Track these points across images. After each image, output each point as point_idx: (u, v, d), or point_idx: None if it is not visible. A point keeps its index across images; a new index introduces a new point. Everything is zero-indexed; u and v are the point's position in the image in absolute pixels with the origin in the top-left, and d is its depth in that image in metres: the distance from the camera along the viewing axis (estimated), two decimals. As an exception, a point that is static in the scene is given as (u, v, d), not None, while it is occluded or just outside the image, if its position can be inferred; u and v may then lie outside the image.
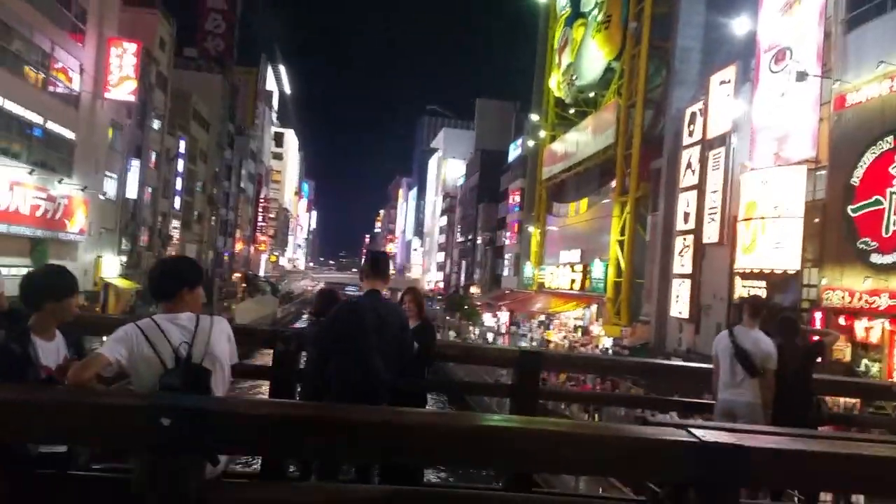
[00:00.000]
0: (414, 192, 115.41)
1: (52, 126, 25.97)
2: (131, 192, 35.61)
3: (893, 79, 14.02)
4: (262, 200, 77.36)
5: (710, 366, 5.25)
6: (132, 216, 36.88)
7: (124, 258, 35.41)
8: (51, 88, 26.02)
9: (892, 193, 13.60)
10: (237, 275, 63.99)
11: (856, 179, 14.58)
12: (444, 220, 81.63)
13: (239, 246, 67.79)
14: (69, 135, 27.48)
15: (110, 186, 33.09)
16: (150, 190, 39.39)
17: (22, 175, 22.69)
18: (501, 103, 67.17)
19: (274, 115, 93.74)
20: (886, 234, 13.54)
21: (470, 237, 64.34)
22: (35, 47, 24.55)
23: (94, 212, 29.88)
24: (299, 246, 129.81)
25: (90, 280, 31.01)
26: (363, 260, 4.11)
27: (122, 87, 30.15)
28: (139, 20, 35.15)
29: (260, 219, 77.40)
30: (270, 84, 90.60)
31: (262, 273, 77.03)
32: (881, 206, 13.76)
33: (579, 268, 33.87)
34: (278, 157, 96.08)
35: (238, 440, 2.18)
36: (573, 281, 34.10)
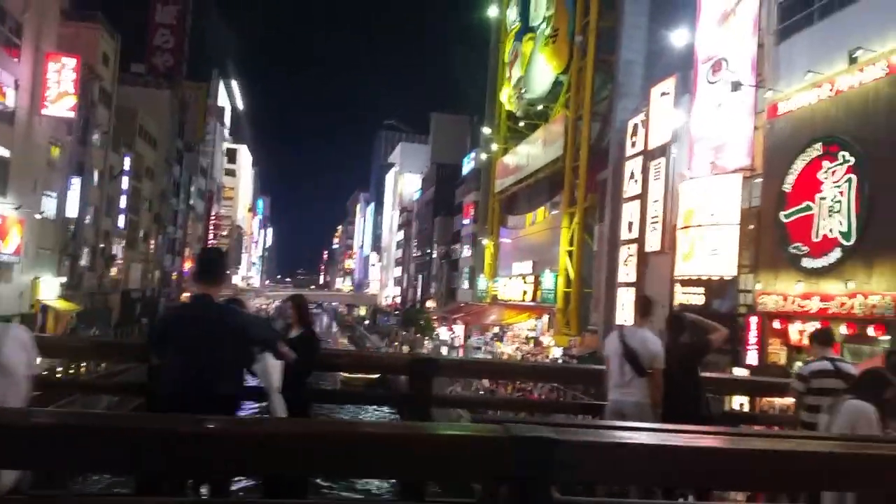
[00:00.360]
0: (372, 208, 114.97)
1: (-17, 143, 24.99)
2: (72, 211, 34.44)
3: (821, 87, 14.48)
4: (213, 217, 75.90)
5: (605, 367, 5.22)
6: (73, 236, 35.65)
7: (64, 279, 34.16)
8: (-18, 104, 25.07)
9: (821, 199, 14.00)
10: (186, 294, 62.40)
11: (787, 186, 14.98)
12: (401, 235, 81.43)
13: (188, 264, 66.22)
14: (3, 153, 26.46)
15: (50, 205, 31.93)
16: (92, 209, 38.18)
17: (-52, 194, 21.71)
18: (456, 117, 67.56)
19: (226, 131, 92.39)
20: (816, 238, 13.91)
21: (427, 251, 64.25)
22: (-36, 61, 23.64)
23: (31, 232, 28.76)
24: (254, 264, 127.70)
25: (26, 302, 29.79)
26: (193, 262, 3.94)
27: (61, 102, 29.22)
28: (81, 35, 34.24)
29: (211, 236, 75.88)
30: (223, 100, 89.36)
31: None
32: (811, 212, 14.15)
33: (531, 279, 34.07)
34: (231, 173, 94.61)
35: (12, 452, 1.98)
36: (525, 292, 34.27)
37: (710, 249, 17.66)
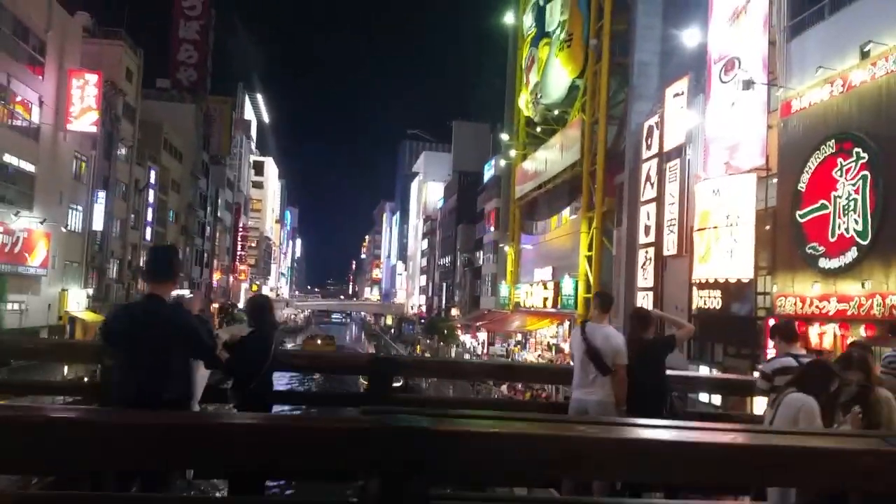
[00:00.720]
0: (397, 217, 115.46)
1: (10, 159, 25.68)
2: (98, 224, 35.19)
3: (833, 83, 14.07)
4: (241, 229, 76.91)
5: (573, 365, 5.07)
6: (99, 248, 36.42)
7: (91, 291, 34.88)
8: (8, 121, 25.79)
9: (836, 197, 13.57)
10: (214, 305, 63.29)
11: (802, 185, 14.56)
12: (425, 244, 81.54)
13: (217, 276, 67.19)
14: (29, 168, 27.17)
15: (76, 219, 32.69)
16: (118, 221, 38.99)
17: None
18: (477, 125, 67.53)
19: (253, 144, 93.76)
20: (832, 238, 13.48)
21: (450, 259, 64.20)
22: (-10, 80, 24.36)
23: (58, 245, 29.46)
24: (283, 274, 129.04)
25: (54, 314, 30.48)
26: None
27: (84, 118, 29.95)
28: (104, 52, 35.08)
29: (239, 248, 76.89)
30: (249, 113, 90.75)
31: (242, 302, 76.26)
32: (827, 211, 13.72)
33: (551, 285, 33.73)
34: (258, 185, 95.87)
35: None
36: (546, 299, 33.94)
37: (726, 251, 17.26)
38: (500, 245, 44.55)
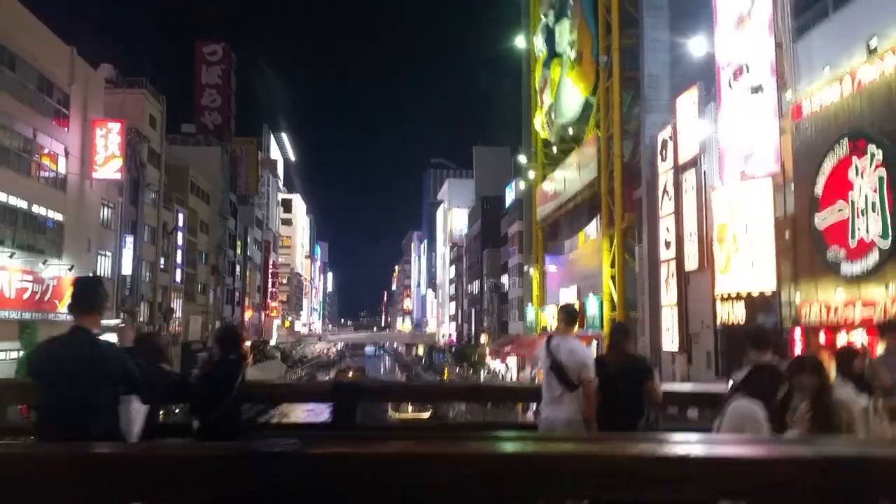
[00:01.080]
0: (425, 246, 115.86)
1: (39, 209, 26.45)
2: (127, 268, 35.95)
3: (841, 82, 13.68)
4: (270, 266, 77.88)
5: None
6: (129, 292, 37.14)
7: (123, 334, 35.45)
8: (37, 173, 26.65)
9: (853, 199, 13.08)
10: (247, 343, 63.87)
11: (818, 189, 14.10)
12: (453, 271, 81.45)
13: (249, 314, 67.91)
14: (57, 216, 27.95)
15: (105, 264, 33.43)
16: (148, 264, 39.78)
17: (3, 259, 22.91)
18: (497, 149, 67.70)
19: (280, 183, 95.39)
20: (853, 242, 12.96)
21: (477, 285, 63.95)
22: (17, 135, 25.24)
23: (88, 290, 30.08)
24: (315, 309, 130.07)
25: (86, 359, 31.03)
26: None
27: (109, 165, 30.78)
28: (127, 101, 36.21)
29: (270, 285, 77.78)
30: (275, 153, 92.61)
31: (275, 339, 76.93)
32: (845, 214, 13.22)
33: (576, 306, 33.23)
34: (287, 222, 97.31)
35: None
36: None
37: (746, 262, 16.76)
38: (525, 268, 44.21)
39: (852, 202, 13.08)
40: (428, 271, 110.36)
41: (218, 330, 4.98)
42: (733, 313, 17.23)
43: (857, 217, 12.88)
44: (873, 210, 12.55)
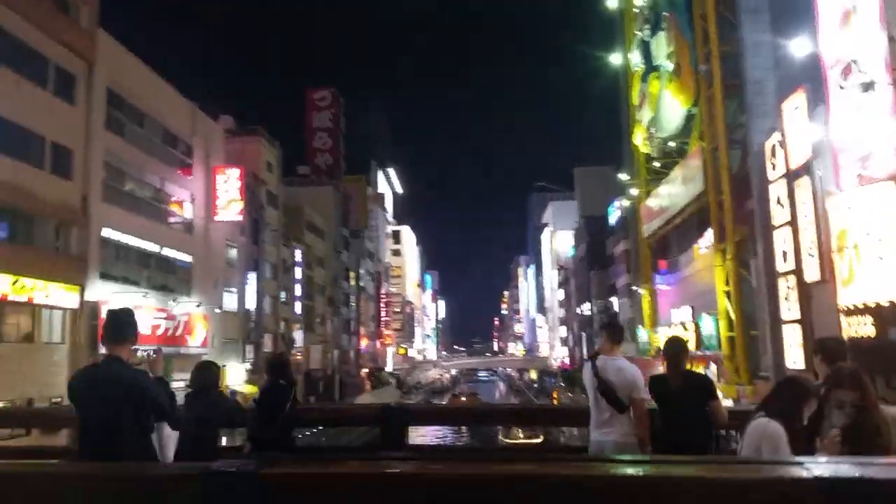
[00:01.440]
0: (532, 270, 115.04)
1: (169, 252, 29.02)
2: (251, 303, 38.45)
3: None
4: (382, 296, 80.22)
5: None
6: (255, 325, 39.64)
7: (248, 365, 37.83)
8: (166, 218, 29.34)
9: None
10: (364, 370, 65.96)
11: (947, 187, 12.82)
12: (561, 294, 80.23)
13: (364, 342, 70.20)
14: (186, 258, 30.52)
15: (231, 300, 35.97)
16: (270, 298, 42.32)
17: (138, 299, 25.27)
18: (599, 168, 66.46)
19: (389, 215, 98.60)
20: None
21: (587, 307, 62.58)
22: (147, 185, 27.98)
23: (215, 324, 32.49)
24: (427, 336, 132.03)
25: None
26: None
27: (230, 208, 33.30)
28: (245, 148, 39.18)
29: (383, 314, 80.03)
30: (383, 187, 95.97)
31: (390, 366, 78.85)
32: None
33: (691, 326, 31.73)
34: (397, 253, 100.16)
35: None
36: (687, 341, 31.90)
37: (871, 271, 15.42)
38: (634, 288, 42.82)
39: None
40: (537, 295, 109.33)
41: (266, 360, 5.29)
42: (861, 327, 15.86)
43: None
44: None
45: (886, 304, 15.14)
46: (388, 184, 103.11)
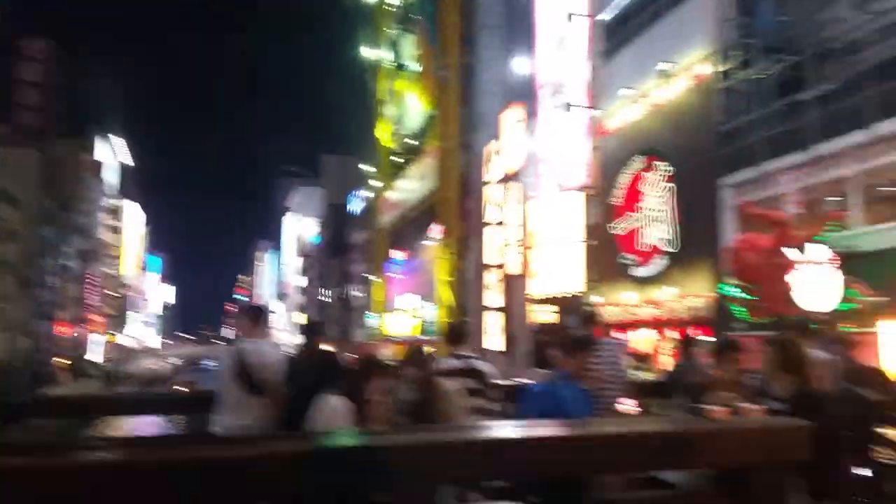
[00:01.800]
0: (274, 255, 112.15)
1: None
2: None
3: (639, 102, 15.08)
4: (91, 277, 71.25)
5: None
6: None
7: None
8: None
9: (645, 210, 14.44)
10: (63, 360, 57.88)
11: (616, 199, 15.41)
12: (304, 280, 79.54)
13: (63, 328, 61.69)
14: None
15: None
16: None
17: None
18: (345, 157, 67.14)
19: (107, 188, 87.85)
20: (640, 247, 14.29)
21: (326, 293, 62.97)
22: None
23: None
24: (147, 322, 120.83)
25: None
26: None
27: None
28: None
29: (90, 297, 71.05)
30: (104, 156, 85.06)
31: (100, 356, 70.35)
32: (636, 223, 14.55)
33: (419, 312, 33.79)
34: (116, 230, 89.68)
35: None
36: (414, 327, 33.91)
37: (558, 267, 17.92)
38: (367, 276, 44.18)
39: (643, 212, 14.44)
40: (278, 281, 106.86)
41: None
42: (545, 314, 18.37)
43: (646, 226, 14.24)
44: (663, 221, 13.93)
45: (567, 296, 17.72)
46: (112, 153, 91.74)
